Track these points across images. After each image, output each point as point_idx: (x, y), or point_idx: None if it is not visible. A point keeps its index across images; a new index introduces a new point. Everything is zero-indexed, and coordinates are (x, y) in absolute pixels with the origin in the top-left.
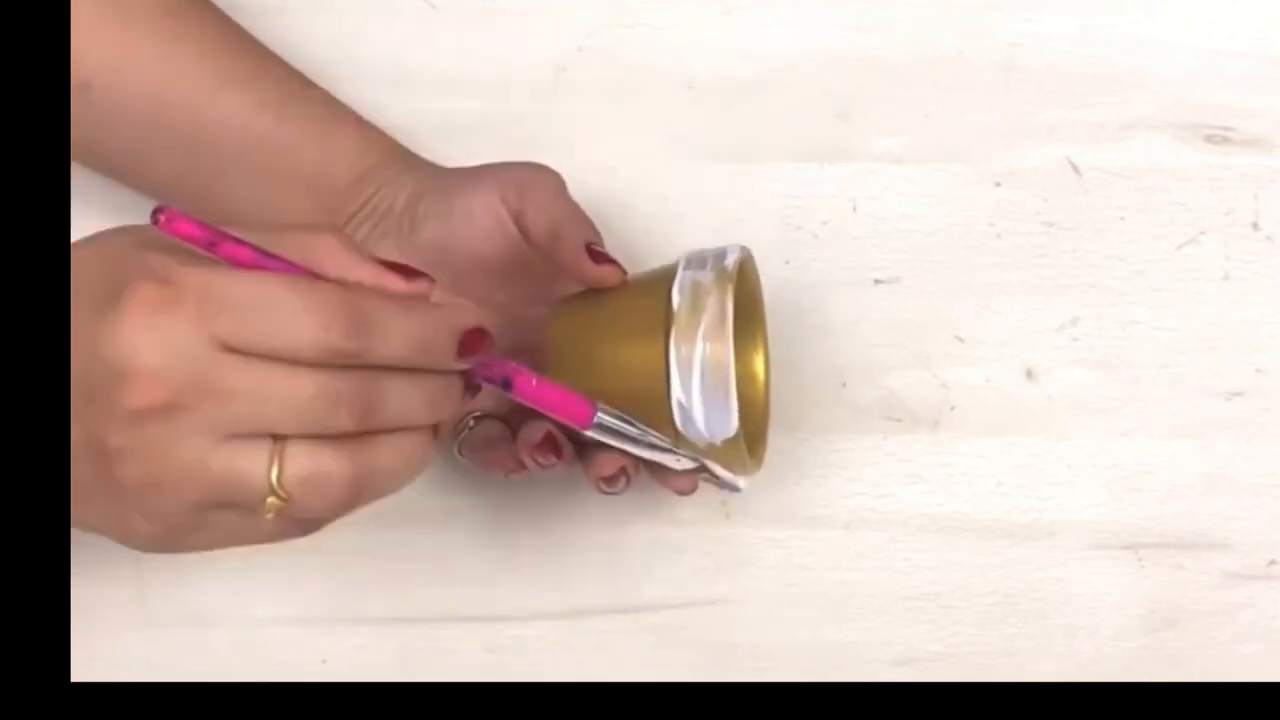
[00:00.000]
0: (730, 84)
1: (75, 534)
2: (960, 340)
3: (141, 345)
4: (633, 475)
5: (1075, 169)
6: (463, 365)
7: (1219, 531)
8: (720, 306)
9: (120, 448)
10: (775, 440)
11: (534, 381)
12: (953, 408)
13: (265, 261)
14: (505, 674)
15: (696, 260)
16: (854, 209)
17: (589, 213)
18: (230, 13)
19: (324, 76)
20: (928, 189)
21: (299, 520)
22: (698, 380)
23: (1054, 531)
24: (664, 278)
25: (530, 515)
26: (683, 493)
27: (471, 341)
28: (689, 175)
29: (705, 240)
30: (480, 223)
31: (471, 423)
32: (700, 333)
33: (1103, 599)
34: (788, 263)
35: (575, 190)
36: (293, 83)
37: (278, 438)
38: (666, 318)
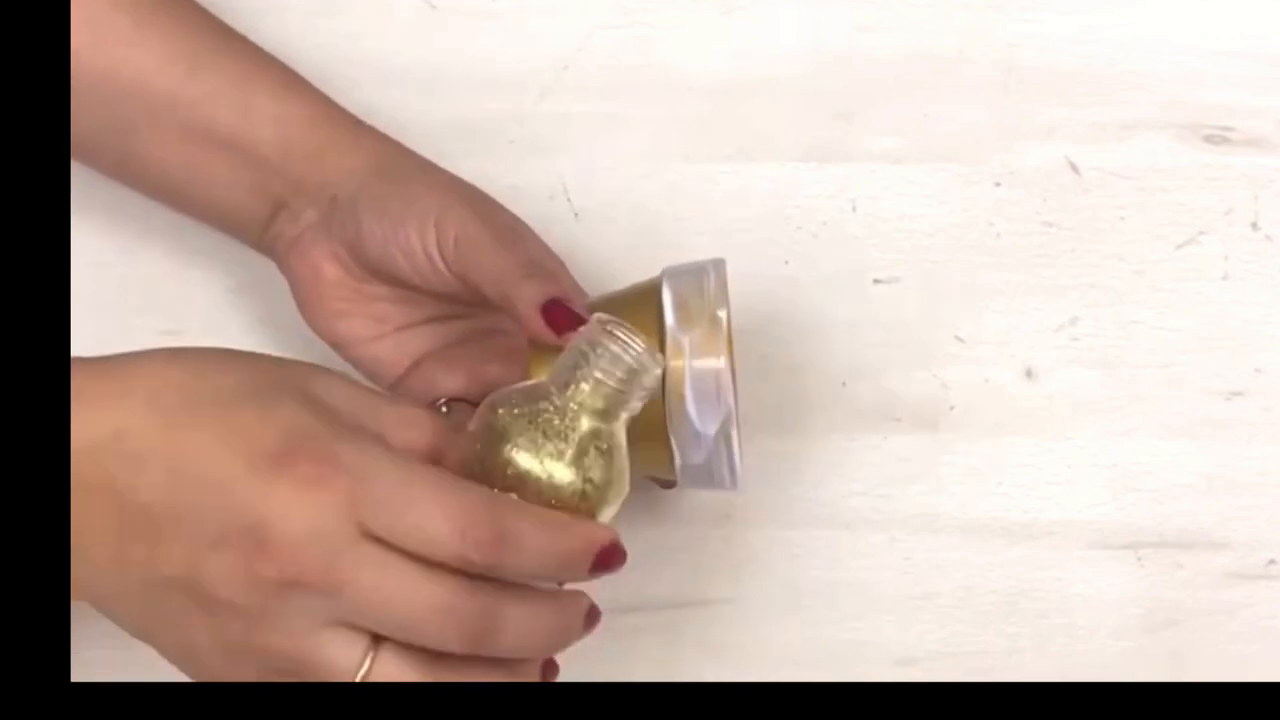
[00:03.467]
0: (730, 84)
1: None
2: (960, 340)
3: (289, 517)
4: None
5: (1075, 169)
6: (592, 577)
7: (1219, 531)
8: (714, 319)
9: (227, 602)
10: (775, 440)
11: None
12: (953, 408)
13: None
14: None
15: (681, 274)
16: (854, 209)
17: (588, 216)
18: (229, 14)
19: (323, 77)
20: (928, 189)
21: None
22: (691, 394)
23: (1054, 531)
24: (649, 293)
25: None
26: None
27: (606, 558)
28: (689, 175)
29: (704, 240)
30: (421, 261)
31: (444, 408)
32: (695, 346)
33: (1103, 599)
34: (788, 263)
35: (575, 190)
36: (213, 36)
37: (377, 638)
38: (659, 333)
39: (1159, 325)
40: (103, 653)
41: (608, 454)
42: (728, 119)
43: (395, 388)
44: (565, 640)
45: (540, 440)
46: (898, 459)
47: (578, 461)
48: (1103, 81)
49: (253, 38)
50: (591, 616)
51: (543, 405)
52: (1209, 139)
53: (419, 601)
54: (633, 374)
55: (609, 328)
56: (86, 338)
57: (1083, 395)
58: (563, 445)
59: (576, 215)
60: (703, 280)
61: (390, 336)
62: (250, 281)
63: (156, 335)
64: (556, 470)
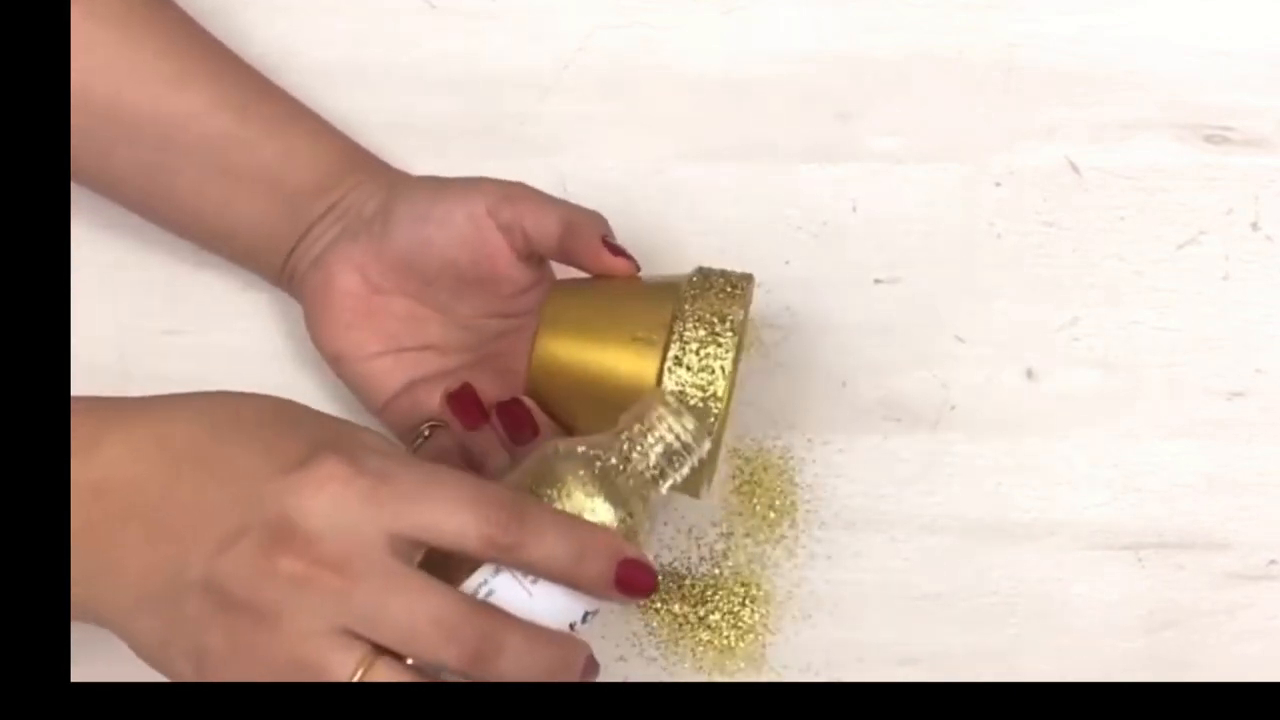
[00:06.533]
0: (730, 84)
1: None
2: (960, 340)
3: (311, 512)
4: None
5: (1075, 169)
6: (619, 596)
7: (1219, 531)
8: (730, 332)
9: (241, 599)
10: (775, 440)
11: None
12: (953, 408)
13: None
14: None
15: (708, 277)
16: (854, 209)
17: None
18: (235, 14)
19: (325, 77)
20: (928, 189)
21: None
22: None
23: (1054, 531)
24: (671, 286)
25: None
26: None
27: (632, 575)
28: (689, 175)
29: (703, 240)
30: (458, 230)
31: (426, 432)
32: (698, 351)
33: (1103, 599)
34: (788, 263)
35: (575, 190)
36: (253, 82)
37: (378, 648)
38: (671, 326)
39: (1159, 325)
40: (104, 653)
41: (646, 511)
42: (728, 119)
43: (383, 410)
44: (564, 673)
45: (593, 481)
46: (898, 459)
47: (621, 507)
48: (1103, 81)
49: (255, 38)
50: (590, 666)
51: (602, 454)
52: (1209, 139)
53: (422, 611)
54: (687, 454)
55: (678, 410)
56: (87, 338)
57: (1083, 395)
58: (611, 491)
59: None
60: (733, 273)
61: (391, 355)
62: (253, 281)
63: (157, 335)
64: (601, 510)
